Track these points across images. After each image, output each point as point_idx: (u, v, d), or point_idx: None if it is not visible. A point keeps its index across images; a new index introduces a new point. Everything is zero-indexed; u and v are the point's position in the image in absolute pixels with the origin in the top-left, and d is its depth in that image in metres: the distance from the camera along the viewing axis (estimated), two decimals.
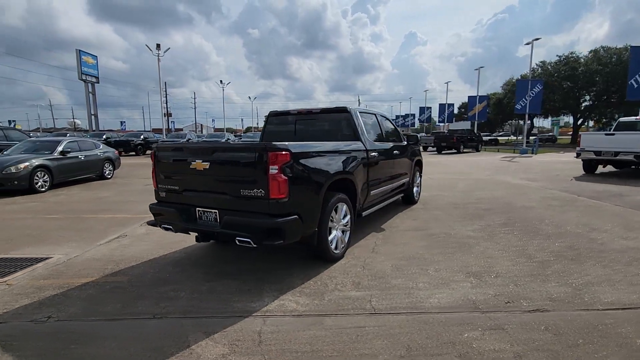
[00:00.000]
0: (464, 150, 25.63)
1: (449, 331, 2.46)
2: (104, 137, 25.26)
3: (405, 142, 6.22)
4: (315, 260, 3.83)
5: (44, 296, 3.16)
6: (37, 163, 9.34)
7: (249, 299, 3.00)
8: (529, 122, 30.18)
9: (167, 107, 66.74)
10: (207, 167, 3.31)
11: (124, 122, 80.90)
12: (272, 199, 3.03)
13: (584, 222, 5.32)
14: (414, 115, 59.31)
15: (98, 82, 33.82)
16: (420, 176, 7.25)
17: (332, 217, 3.73)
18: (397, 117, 68.43)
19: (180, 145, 3.68)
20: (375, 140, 5.10)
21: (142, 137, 27.00)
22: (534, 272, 3.47)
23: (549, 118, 48.17)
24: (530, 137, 31.75)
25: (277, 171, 3.00)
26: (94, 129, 33.27)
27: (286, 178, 3.05)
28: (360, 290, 3.15)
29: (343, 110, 4.71)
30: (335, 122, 4.82)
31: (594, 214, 5.87)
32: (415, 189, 6.90)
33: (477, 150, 27.14)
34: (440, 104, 42.22)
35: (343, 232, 4.03)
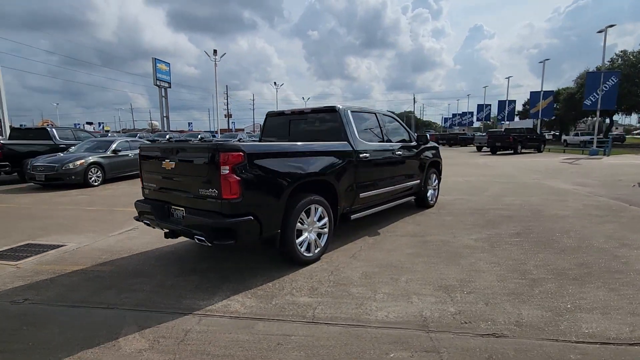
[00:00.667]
0: (522, 151, 23.46)
1: (376, 349, 2.27)
2: (167, 137, 27.51)
3: (415, 142, 5.87)
4: (287, 262, 3.77)
5: (36, 280, 3.53)
6: (91, 160, 10.50)
7: (200, 297, 3.05)
8: (601, 118, 26.56)
9: (227, 109, 70.98)
10: (174, 166, 3.43)
11: (191, 123, 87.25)
12: (224, 199, 3.05)
13: (618, 236, 4.56)
14: (471, 113, 55.71)
15: (170, 87, 36.63)
16: (438, 178, 6.79)
17: (301, 219, 3.65)
18: (454, 115, 64.86)
19: (155, 145, 3.88)
20: (371, 141, 4.89)
21: (199, 136, 28.39)
22: (517, 291, 3.05)
23: (633, 114, 42.08)
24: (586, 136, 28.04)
25: (228, 171, 3.01)
26: (165, 129, 36.40)
27: (238, 179, 3.05)
28: (313, 296, 3.04)
29: (331, 110, 4.58)
30: (324, 121, 4.70)
31: (638, 227, 5.01)
32: (430, 192, 6.48)
33: (539, 151, 24.66)
34: (499, 101, 39.03)
35: (319, 235, 3.93)
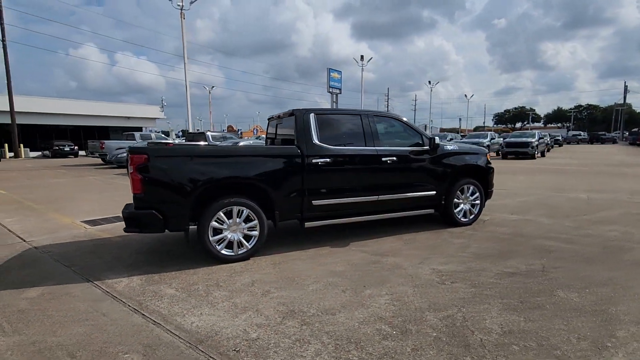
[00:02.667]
0: None
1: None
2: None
3: (428, 147, 4.92)
4: (216, 260, 4.00)
5: (78, 239, 5.02)
6: None
7: (113, 274, 3.71)
8: None
9: (387, 110, 72.72)
10: None
11: None
12: (133, 194, 3.64)
13: None
14: None
15: (340, 93, 39.79)
16: (483, 191, 5.41)
17: (220, 219, 3.85)
18: None
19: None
20: (343, 145, 4.51)
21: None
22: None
23: None
24: None
25: (132, 170, 3.58)
26: None
27: (141, 177, 3.57)
28: (179, 291, 3.26)
29: (291, 114, 4.48)
30: (289, 126, 4.64)
31: None
32: (463, 207, 5.28)
33: None
34: None
35: (247, 237, 4.01)
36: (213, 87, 53.14)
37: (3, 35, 26.15)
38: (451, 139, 22.75)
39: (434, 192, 5.04)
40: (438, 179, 5.05)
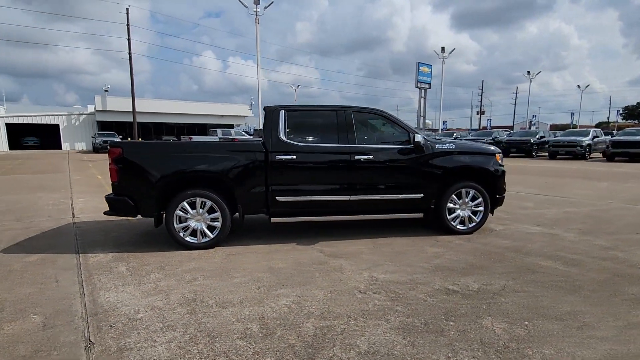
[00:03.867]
0: None
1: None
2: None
3: (412, 146, 4.48)
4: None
5: (108, 219, 5.97)
6: None
7: (98, 250, 4.35)
8: None
9: (480, 105, 66.58)
10: None
11: (446, 122, 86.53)
12: (111, 182, 4.21)
13: None
14: None
15: (429, 88, 37.22)
16: (487, 197, 4.70)
17: (184, 209, 4.19)
18: None
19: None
20: (314, 142, 4.44)
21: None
22: None
23: None
24: None
25: (110, 162, 4.13)
26: (421, 127, 37.99)
27: (116, 167, 4.10)
28: (130, 271, 3.67)
29: (265, 109, 4.56)
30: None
31: None
32: (460, 213, 4.69)
33: None
34: None
35: (209, 227, 4.27)
36: (298, 85, 55.65)
37: (130, 50, 31.61)
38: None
39: (421, 195, 4.58)
40: (426, 180, 4.57)
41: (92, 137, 31.82)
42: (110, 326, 2.55)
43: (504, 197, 4.88)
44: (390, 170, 4.55)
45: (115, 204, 4.19)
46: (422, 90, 36.42)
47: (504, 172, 4.80)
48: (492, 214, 4.96)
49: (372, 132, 4.74)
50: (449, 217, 4.69)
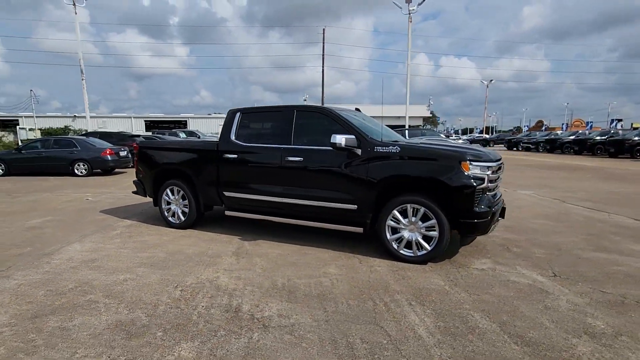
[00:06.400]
0: None
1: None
2: None
3: (344, 148, 3.85)
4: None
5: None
6: None
7: (131, 218, 5.97)
8: None
9: None
10: None
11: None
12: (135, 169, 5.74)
13: None
14: None
15: None
16: (439, 218, 3.50)
17: (167, 194, 5.25)
18: None
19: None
20: (262, 143, 4.57)
21: None
22: None
23: None
24: None
25: (133, 154, 5.66)
26: None
27: (136, 159, 5.58)
28: (119, 236, 5.02)
29: (228, 111, 4.96)
30: None
31: None
32: (405, 235, 3.70)
33: None
34: None
35: (183, 212, 5.17)
36: (491, 80, 49.44)
37: (323, 67, 36.36)
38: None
39: (355, 207, 3.93)
40: (359, 190, 3.88)
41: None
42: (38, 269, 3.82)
43: (481, 223, 3.49)
44: (321, 174, 4.13)
45: (136, 186, 5.70)
46: None
47: (471, 187, 3.43)
48: (466, 243, 3.63)
49: (316, 133, 4.36)
50: (389, 237, 3.80)
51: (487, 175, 3.57)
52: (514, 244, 4.36)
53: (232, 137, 4.72)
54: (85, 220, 5.76)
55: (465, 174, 3.47)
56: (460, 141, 20.53)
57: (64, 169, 11.85)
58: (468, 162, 3.49)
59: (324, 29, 33.59)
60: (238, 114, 4.81)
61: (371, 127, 4.40)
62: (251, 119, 4.79)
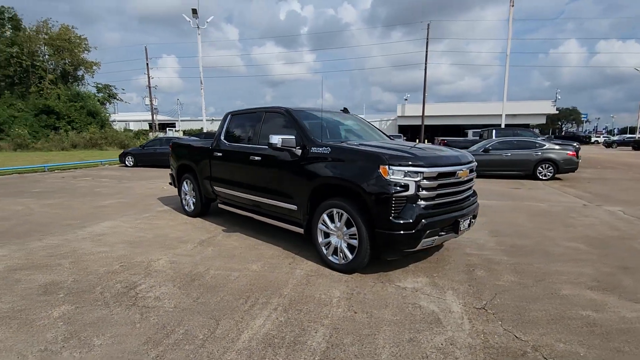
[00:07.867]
0: None
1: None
2: None
3: (283, 146, 3.86)
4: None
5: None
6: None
7: (171, 206, 7.06)
8: None
9: None
10: None
11: None
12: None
13: None
14: None
15: None
16: (359, 226, 3.21)
17: (184, 186, 6.10)
18: None
19: None
20: (242, 142, 4.92)
21: None
22: None
23: None
24: None
25: (169, 150, 6.70)
26: None
27: (170, 154, 6.62)
28: (145, 219, 6.09)
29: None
30: None
31: None
32: (332, 241, 3.53)
33: None
34: None
35: (193, 202, 5.93)
36: None
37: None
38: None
39: (295, 207, 3.91)
40: (297, 190, 3.84)
41: None
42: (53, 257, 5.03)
43: (400, 236, 3.07)
44: (271, 174, 4.22)
45: (172, 178, 6.75)
46: None
47: (389, 193, 3.03)
48: (385, 258, 3.27)
49: (277, 132, 4.42)
50: (320, 241, 3.66)
51: (416, 181, 3.11)
52: (487, 267, 3.62)
53: (222, 138, 5.20)
54: (139, 204, 7.10)
55: (384, 178, 3.11)
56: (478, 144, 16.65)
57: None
58: (387, 166, 3.11)
59: (428, 24, 31.68)
60: (229, 116, 5.27)
61: (343, 130, 4.33)
62: (236, 121, 5.18)
